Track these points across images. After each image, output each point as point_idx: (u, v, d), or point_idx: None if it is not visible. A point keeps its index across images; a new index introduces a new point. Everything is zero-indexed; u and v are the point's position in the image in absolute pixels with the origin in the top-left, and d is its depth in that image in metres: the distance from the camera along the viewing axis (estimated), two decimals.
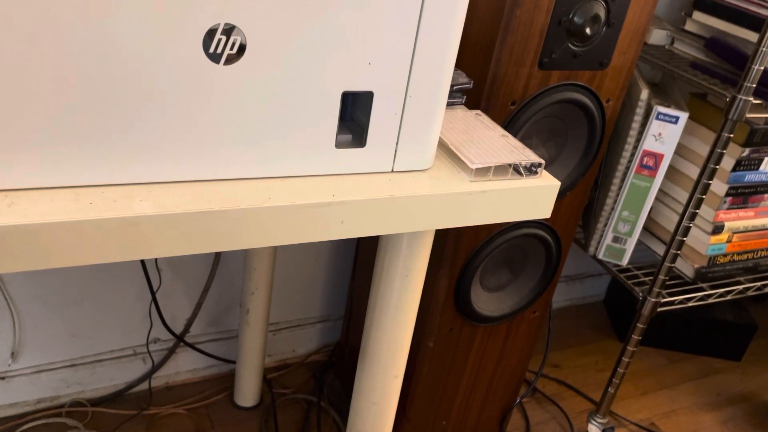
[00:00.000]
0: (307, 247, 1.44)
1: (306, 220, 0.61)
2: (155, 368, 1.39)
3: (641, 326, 1.28)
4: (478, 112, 0.83)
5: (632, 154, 1.23)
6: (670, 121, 1.18)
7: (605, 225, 1.32)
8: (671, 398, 1.64)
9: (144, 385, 1.39)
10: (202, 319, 1.40)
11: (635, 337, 1.29)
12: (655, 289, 1.23)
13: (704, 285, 1.34)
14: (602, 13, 0.94)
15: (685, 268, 1.33)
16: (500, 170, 0.70)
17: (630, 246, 1.32)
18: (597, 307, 1.97)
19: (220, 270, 1.36)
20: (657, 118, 1.18)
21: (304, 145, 0.62)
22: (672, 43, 1.32)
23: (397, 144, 0.66)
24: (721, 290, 1.35)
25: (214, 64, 0.55)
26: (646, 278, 1.35)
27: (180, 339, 1.37)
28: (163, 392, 1.40)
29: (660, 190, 1.36)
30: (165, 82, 0.54)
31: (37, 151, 0.53)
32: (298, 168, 0.63)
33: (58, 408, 1.30)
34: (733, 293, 1.36)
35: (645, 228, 1.39)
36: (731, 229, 1.31)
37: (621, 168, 1.25)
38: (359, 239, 1.35)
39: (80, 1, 0.49)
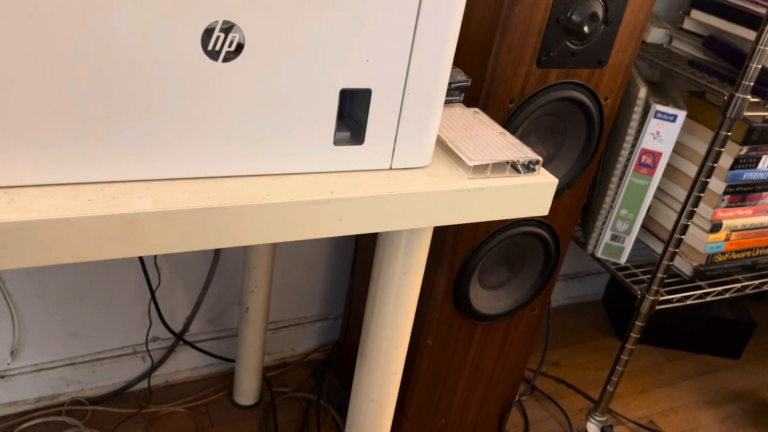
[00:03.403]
0: (306, 245, 1.44)
1: (304, 217, 0.61)
2: (155, 367, 1.39)
3: (640, 324, 1.28)
4: (477, 110, 0.84)
5: (630, 153, 1.24)
6: (669, 120, 1.18)
7: (604, 223, 1.32)
8: (670, 396, 1.65)
9: (143, 384, 1.39)
10: (202, 318, 1.40)
11: (634, 335, 1.29)
12: (654, 287, 1.24)
13: (702, 283, 1.35)
14: (600, 12, 0.94)
15: (684, 266, 1.33)
16: (498, 167, 0.71)
17: (628, 244, 1.32)
18: (596, 305, 1.97)
19: (219, 268, 1.36)
20: (655, 117, 1.19)
21: (302, 143, 0.62)
22: (670, 41, 1.32)
23: (395, 141, 0.66)
24: (720, 288, 1.35)
25: (212, 62, 0.55)
26: (645, 276, 1.35)
27: (179, 337, 1.38)
28: (163, 391, 1.40)
29: (658, 188, 1.36)
30: (164, 80, 0.54)
31: (36, 149, 0.53)
32: (297, 165, 0.64)
33: (58, 407, 1.31)
34: (732, 291, 1.37)
35: (643, 226, 1.40)
36: (729, 227, 1.31)
37: (619, 166, 1.26)
38: (358, 237, 1.35)
39: (80, 1, 0.49)
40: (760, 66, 1.03)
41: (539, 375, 1.64)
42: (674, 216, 1.33)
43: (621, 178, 1.26)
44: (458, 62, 0.97)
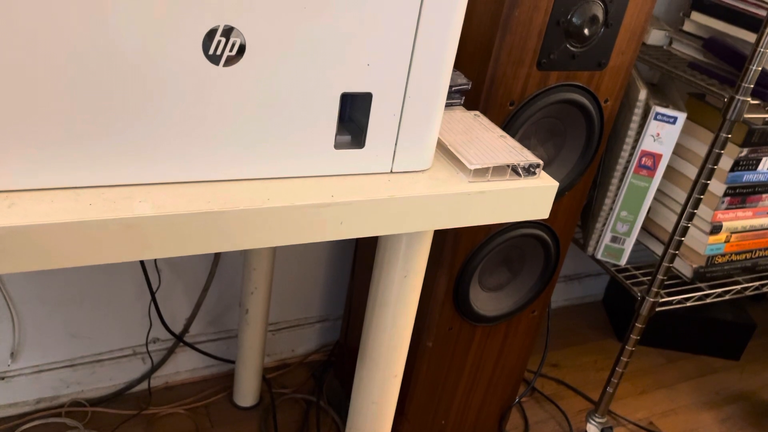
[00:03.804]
0: (306, 247, 1.44)
1: (305, 221, 0.61)
2: (155, 368, 1.39)
3: (640, 326, 1.28)
4: (477, 112, 0.84)
5: (631, 155, 1.24)
6: (669, 122, 1.18)
7: (604, 225, 1.32)
8: (670, 397, 1.65)
9: (143, 385, 1.39)
10: (202, 319, 1.40)
11: (634, 336, 1.29)
12: (654, 289, 1.24)
13: (702, 285, 1.35)
14: (600, 14, 0.94)
15: (684, 267, 1.33)
16: (499, 171, 0.71)
17: (628, 246, 1.32)
18: (596, 306, 1.97)
19: (219, 270, 1.36)
20: (655, 119, 1.19)
21: (303, 146, 0.62)
22: (670, 43, 1.32)
23: (395, 145, 0.66)
24: (720, 290, 1.35)
25: (213, 66, 0.55)
26: (645, 278, 1.35)
27: (179, 339, 1.38)
28: (163, 392, 1.40)
29: (658, 190, 1.36)
30: (165, 84, 0.54)
31: (37, 153, 0.53)
32: (298, 169, 0.64)
33: (58, 408, 1.31)
34: (732, 293, 1.37)
35: (643, 228, 1.40)
36: (729, 229, 1.31)
37: (619, 168, 1.26)
38: (358, 239, 1.35)
39: (80, 4, 0.49)
40: (760, 68, 1.03)
41: (539, 376, 1.64)
42: (674, 218, 1.33)
43: (621, 180, 1.26)
44: (458, 65, 0.97)
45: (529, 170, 0.72)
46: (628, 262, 1.36)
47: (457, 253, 1.07)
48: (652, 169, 1.23)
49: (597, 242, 1.34)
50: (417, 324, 1.16)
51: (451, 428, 1.33)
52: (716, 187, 1.27)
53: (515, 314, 1.21)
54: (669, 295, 1.31)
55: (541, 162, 0.72)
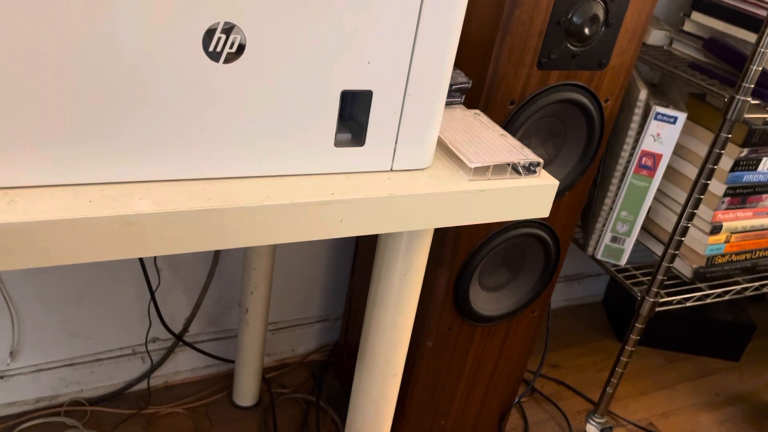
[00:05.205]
0: (306, 246, 1.44)
1: (305, 219, 0.61)
2: (154, 367, 1.39)
3: (639, 326, 1.28)
4: (477, 111, 0.84)
5: (631, 154, 1.24)
6: (669, 122, 1.18)
7: (604, 225, 1.32)
8: (669, 398, 1.65)
9: (143, 385, 1.39)
10: (201, 319, 1.40)
11: (634, 337, 1.29)
12: (654, 289, 1.24)
13: (702, 285, 1.35)
14: (601, 14, 0.94)
15: (684, 268, 1.33)
16: (499, 169, 0.71)
17: (628, 246, 1.32)
18: (595, 307, 1.97)
19: (219, 269, 1.36)
20: (655, 119, 1.18)
21: (303, 144, 0.62)
22: (671, 43, 1.32)
23: (396, 143, 0.66)
24: (720, 290, 1.35)
25: (213, 63, 0.55)
26: (645, 278, 1.35)
27: (179, 338, 1.37)
28: (162, 392, 1.40)
29: (658, 190, 1.36)
30: (164, 81, 0.54)
31: (37, 150, 0.53)
32: (298, 167, 0.63)
33: (57, 407, 1.30)
34: (732, 293, 1.36)
35: (643, 228, 1.40)
36: (729, 229, 1.31)
37: (620, 168, 1.26)
38: (358, 238, 1.35)
39: (80, 1, 0.49)
40: (760, 68, 1.03)
41: (539, 377, 1.64)
42: (674, 218, 1.33)
43: (621, 180, 1.26)
44: (459, 64, 0.97)
45: (530, 169, 0.72)
46: (628, 262, 1.36)
47: (457, 253, 1.07)
48: (652, 169, 1.23)
49: (597, 242, 1.34)
50: (417, 324, 1.16)
51: (451, 428, 1.33)
52: (716, 187, 1.27)
53: (515, 314, 1.21)
54: (669, 295, 1.31)
55: (541, 161, 0.72)
